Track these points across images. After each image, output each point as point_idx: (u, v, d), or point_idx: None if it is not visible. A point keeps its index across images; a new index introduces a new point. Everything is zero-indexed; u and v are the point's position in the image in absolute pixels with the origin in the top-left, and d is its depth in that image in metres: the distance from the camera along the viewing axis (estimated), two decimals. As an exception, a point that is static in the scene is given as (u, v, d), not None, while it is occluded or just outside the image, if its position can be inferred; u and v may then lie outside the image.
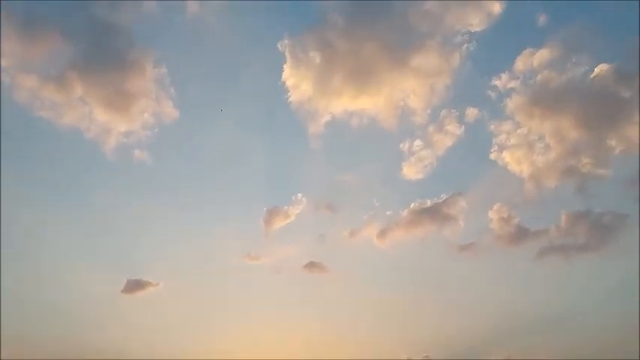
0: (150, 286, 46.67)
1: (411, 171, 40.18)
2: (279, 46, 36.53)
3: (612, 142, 38.08)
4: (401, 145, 40.13)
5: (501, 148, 38.15)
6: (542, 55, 35.70)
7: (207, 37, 39.01)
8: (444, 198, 41.21)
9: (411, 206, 41.55)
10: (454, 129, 38.48)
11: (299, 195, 40.88)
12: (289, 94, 37.46)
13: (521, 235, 43.12)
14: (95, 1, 34.64)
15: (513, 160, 38.81)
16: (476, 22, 35.31)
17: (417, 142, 39.26)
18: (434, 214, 41.56)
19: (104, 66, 35.83)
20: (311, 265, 52.25)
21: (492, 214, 40.90)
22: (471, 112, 37.83)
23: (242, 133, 41.20)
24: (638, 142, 36.88)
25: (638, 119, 36.37)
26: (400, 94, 37.49)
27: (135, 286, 41.86)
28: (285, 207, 42.35)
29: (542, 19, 35.88)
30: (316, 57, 36.79)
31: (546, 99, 36.79)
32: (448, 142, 39.22)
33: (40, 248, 36.99)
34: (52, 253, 37.19)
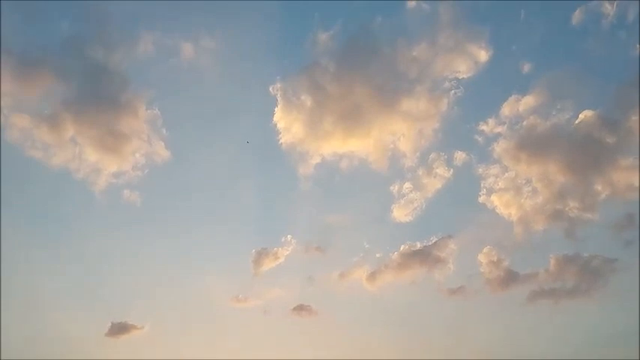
0: (135, 330, 45.48)
1: (400, 213, 40.37)
2: (271, 89, 37.28)
3: (598, 187, 38.63)
4: (391, 188, 40.45)
5: (489, 191, 38.59)
6: (528, 101, 36.61)
7: (201, 80, 39.73)
8: (434, 241, 41.28)
9: (401, 249, 41.54)
10: (443, 172, 38.94)
11: (288, 236, 40.69)
12: (280, 136, 37.89)
13: (510, 278, 42.98)
14: (91, 43, 35.31)
15: (502, 204, 39.18)
16: (463, 69, 36.28)
17: (407, 185, 39.59)
18: (424, 256, 41.46)
19: (97, 106, 36.19)
20: (300, 308, 51.41)
21: (482, 258, 40.94)
22: (459, 156, 38.38)
23: (232, 175, 41.31)
24: (622, 186, 37.50)
25: (622, 164, 37.10)
26: (390, 137, 38.04)
27: (119, 329, 40.78)
28: (275, 248, 42.16)
29: (527, 67, 36.94)
30: (307, 100, 37.50)
31: (532, 144, 37.51)
32: (437, 184, 39.59)
33: (23, 289, 36.24)
34: (35, 294, 36.38)
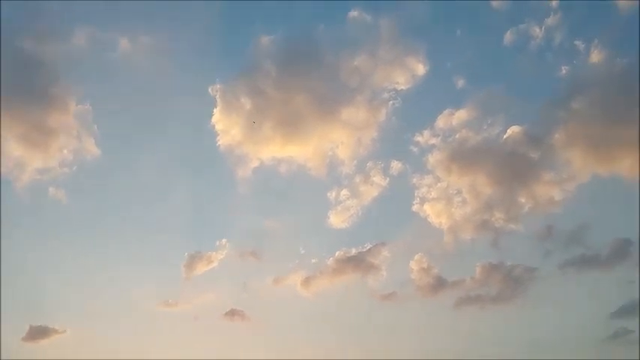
0: (55, 334, 42.99)
1: (337, 220, 40.86)
2: (210, 90, 36.79)
3: (522, 199, 40.80)
4: (328, 194, 40.86)
5: (423, 200, 39.80)
6: (461, 115, 38.10)
7: (136, 77, 38.53)
8: (368, 247, 42.05)
9: (336, 254, 42.02)
10: (379, 180, 39.77)
11: (223, 240, 40.07)
12: (218, 138, 37.32)
13: (439, 285, 44.50)
14: (20, 35, 33.49)
15: (433, 213, 40.55)
16: (402, 81, 37.32)
17: (344, 192, 40.13)
18: (358, 262, 42.13)
19: (23, 99, 34.37)
20: (232, 313, 50.64)
21: (413, 265, 42.14)
22: (395, 165, 39.34)
23: (166, 176, 40.19)
24: (544, 199, 39.83)
25: (544, 178, 39.40)
26: (328, 144, 38.42)
27: (38, 333, 38.45)
28: (209, 252, 41.38)
29: (461, 82, 38.49)
30: (247, 103, 37.26)
31: (464, 156, 39.09)
32: (373, 192, 40.38)
33: None
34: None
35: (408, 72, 37.03)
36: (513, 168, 40.63)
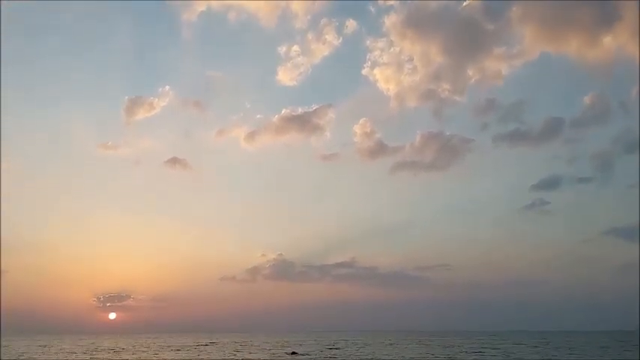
0: None
1: (285, 77, 40.88)
2: None
3: (470, 72, 41.15)
4: (278, 49, 40.49)
5: (374, 64, 39.88)
6: (422, -23, 37.23)
7: None
8: (315, 108, 42.45)
9: (282, 112, 42.39)
10: (332, 39, 39.43)
11: (166, 87, 40.23)
12: (163, -24, 36.01)
13: (380, 149, 45.98)
14: None
15: (382, 78, 40.78)
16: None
17: (295, 48, 39.84)
18: (303, 122, 42.96)
19: None
20: (174, 161, 51.48)
21: (357, 128, 42.89)
22: (351, 25, 38.88)
23: (107, 16, 39.14)
24: (491, 73, 40.21)
25: (494, 53, 39.53)
26: (283, -6, 37.41)
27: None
28: (150, 98, 41.22)
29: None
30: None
31: (420, 22, 38.85)
32: (325, 51, 40.17)
33: None
34: None
35: None
36: (467, 39, 40.79)
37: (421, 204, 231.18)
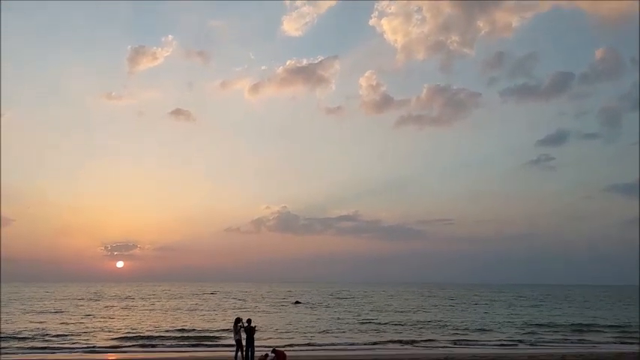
0: None
1: (290, 27, 39.06)
2: None
3: (480, 24, 39.12)
4: (283, -2, 38.60)
5: (381, 15, 37.90)
6: None
7: None
8: (320, 59, 40.88)
9: (287, 63, 40.79)
10: (339, -13, 37.43)
11: (170, 37, 38.91)
12: None
13: (385, 103, 44.53)
14: None
15: (390, 29, 38.83)
16: None
17: (301, -3, 37.95)
18: (308, 74, 41.49)
19: None
20: (177, 112, 50.28)
21: (363, 81, 41.36)
22: (358, -29, 36.82)
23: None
24: (501, 26, 38.25)
25: (505, 5, 37.40)
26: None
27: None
28: (154, 48, 39.82)
29: None
30: None
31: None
32: (332, 1, 38.15)
33: None
34: None
35: None
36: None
37: (425, 158, 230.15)
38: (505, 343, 25.47)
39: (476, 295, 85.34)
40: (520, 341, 26.13)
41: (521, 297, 78.87)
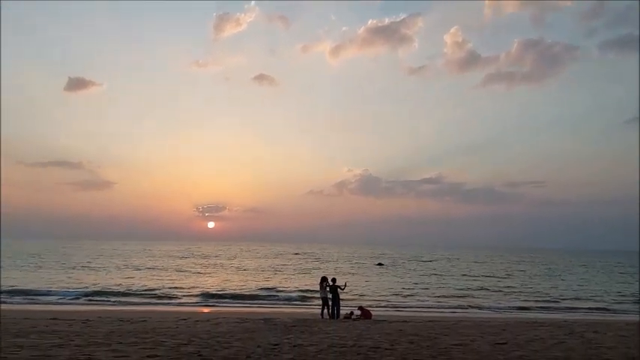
0: (93, 86, 44.91)
1: (372, -15, 37.78)
2: None
3: None
4: (365, -44, 37.33)
5: None
6: None
7: None
8: (403, 17, 39.25)
9: (369, 23, 39.54)
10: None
11: (252, 3, 38.64)
12: None
13: (471, 60, 41.88)
14: None
15: (477, -21, 36.37)
16: None
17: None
18: (390, 33, 39.95)
19: None
20: (261, 78, 50.76)
21: (447, 38, 39.26)
22: None
23: None
24: None
25: None
26: None
27: (77, 84, 40.33)
28: (237, 14, 40.12)
29: None
30: None
31: None
32: None
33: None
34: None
35: None
36: None
37: (515, 118, 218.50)
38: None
39: (568, 261, 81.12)
40: None
41: (620, 264, 73.90)
